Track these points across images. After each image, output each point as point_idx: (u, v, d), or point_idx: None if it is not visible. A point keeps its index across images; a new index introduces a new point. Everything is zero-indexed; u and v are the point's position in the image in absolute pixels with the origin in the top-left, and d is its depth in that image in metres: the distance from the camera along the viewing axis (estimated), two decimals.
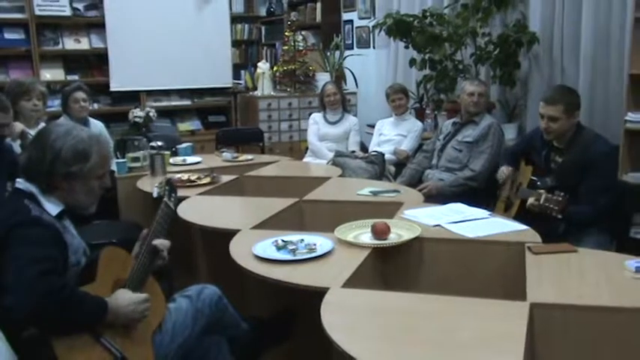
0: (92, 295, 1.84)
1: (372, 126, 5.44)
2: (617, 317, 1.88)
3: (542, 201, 2.81)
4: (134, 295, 1.92)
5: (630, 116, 3.62)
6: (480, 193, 3.86)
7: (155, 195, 3.23)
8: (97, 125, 4.62)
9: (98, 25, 6.36)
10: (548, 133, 3.13)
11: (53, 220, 1.94)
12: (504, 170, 3.43)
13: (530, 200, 2.92)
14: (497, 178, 3.41)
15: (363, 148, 5.27)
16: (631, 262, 2.17)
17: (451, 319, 1.84)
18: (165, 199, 2.29)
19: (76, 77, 6.34)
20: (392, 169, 4.77)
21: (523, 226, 2.65)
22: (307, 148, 5.45)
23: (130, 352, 1.85)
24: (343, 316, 1.88)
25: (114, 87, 6.43)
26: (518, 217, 2.92)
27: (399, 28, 5.05)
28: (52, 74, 6.26)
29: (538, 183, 3.18)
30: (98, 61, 6.50)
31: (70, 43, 6.37)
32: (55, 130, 2.04)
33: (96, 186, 2.08)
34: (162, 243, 2.15)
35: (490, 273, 2.49)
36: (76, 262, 1.97)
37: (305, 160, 5.25)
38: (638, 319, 1.87)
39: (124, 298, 1.89)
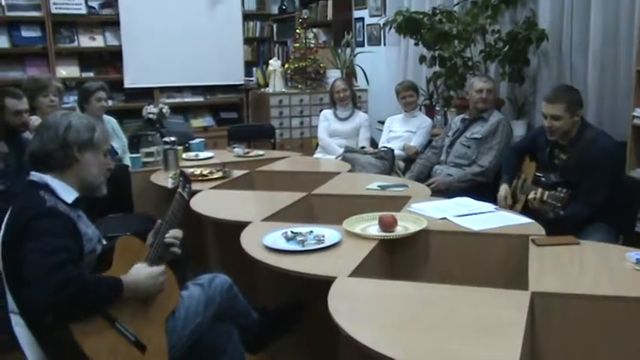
0: (106, 277, 1.92)
1: (383, 122, 5.48)
2: (616, 306, 1.93)
3: (545, 197, 2.86)
4: (151, 269, 2.01)
5: (638, 112, 3.67)
6: (487, 188, 3.89)
7: (170, 186, 3.31)
8: (110, 121, 4.70)
9: (113, 23, 6.46)
10: (552, 132, 3.17)
11: (68, 210, 2.01)
12: (502, 192, 3.47)
13: (530, 195, 2.96)
14: (499, 205, 3.46)
15: (373, 144, 5.31)
16: (632, 253, 2.21)
17: (454, 306, 1.90)
18: (180, 189, 2.36)
19: (90, 74, 6.44)
20: (401, 164, 4.82)
21: (528, 220, 2.70)
22: (318, 144, 5.51)
23: (144, 336, 1.92)
24: (350, 303, 1.94)
25: (128, 84, 6.52)
26: (524, 214, 2.96)
27: (409, 25, 5.10)
28: (67, 71, 6.36)
29: (542, 179, 3.22)
30: (112, 58, 6.59)
31: (85, 41, 6.46)
32: (57, 114, 2.19)
33: (104, 162, 2.17)
34: (174, 235, 2.22)
35: (494, 265, 2.54)
36: (92, 250, 2.05)
37: (315, 155, 5.31)
38: (636, 308, 1.92)
39: (140, 273, 1.97)
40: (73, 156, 2.08)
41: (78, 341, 1.76)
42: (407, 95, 5.10)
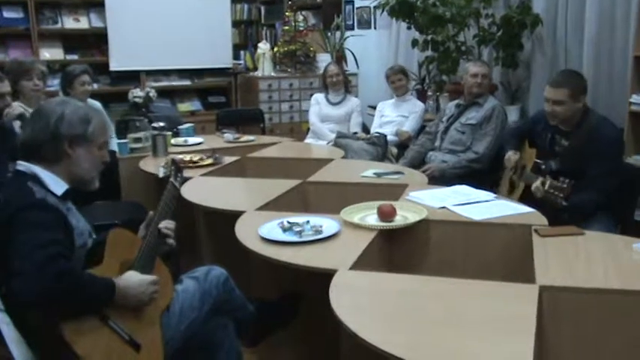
0: (100, 276, 1.83)
1: (374, 107, 5.42)
2: (626, 300, 1.88)
3: (547, 187, 2.80)
4: (142, 276, 1.91)
5: (635, 98, 3.64)
6: (483, 175, 3.84)
7: (161, 175, 3.21)
8: (94, 105, 4.58)
9: (97, 4, 6.32)
10: (553, 117, 3.11)
11: (58, 203, 1.92)
12: (511, 156, 3.40)
13: (536, 184, 2.91)
14: (505, 165, 3.39)
15: (365, 129, 5.24)
16: (639, 244, 2.17)
17: (460, 300, 1.85)
18: (172, 179, 2.28)
19: (75, 57, 6.30)
20: (394, 150, 4.75)
21: (529, 209, 2.64)
22: (309, 129, 5.43)
23: (138, 334, 1.85)
24: (352, 298, 1.88)
25: (113, 67, 6.39)
26: (522, 201, 2.91)
27: (402, 8, 5.01)
28: (51, 53, 6.22)
29: (543, 167, 3.17)
30: (97, 40, 6.46)
31: (69, 22, 6.32)
32: (53, 101, 2.07)
33: (98, 156, 2.06)
34: (167, 226, 2.14)
35: (496, 255, 2.49)
36: (83, 244, 1.96)
37: (306, 141, 5.23)
38: None
39: (133, 279, 1.88)
40: (64, 150, 1.97)
41: (69, 341, 1.68)
42: (396, 79, 5.03)
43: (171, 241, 2.10)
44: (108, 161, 2.12)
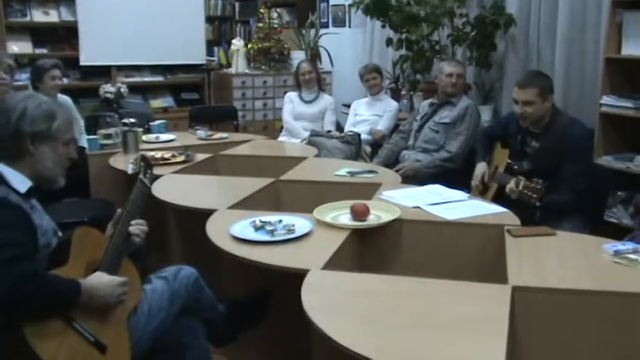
0: (64, 277, 1.77)
1: (348, 106, 5.40)
2: (598, 301, 1.89)
3: (520, 188, 2.81)
4: (110, 278, 1.86)
5: (605, 99, 3.66)
6: (456, 174, 3.85)
7: (130, 171, 3.15)
8: (64, 100, 4.50)
9: None
10: (524, 118, 3.13)
11: (20, 201, 1.85)
12: (480, 168, 3.44)
13: (510, 185, 2.92)
14: (474, 175, 3.42)
15: (339, 127, 5.23)
16: (609, 245, 2.18)
17: (432, 301, 1.83)
18: (141, 176, 2.23)
19: (44, 50, 6.18)
20: (368, 149, 4.75)
21: (502, 209, 2.65)
22: (282, 127, 5.39)
23: (105, 335, 1.80)
24: (324, 298, 1.85)
25: (84, 61, 6.27)
26: (495, 202, 2.91)
27: (377, 6, 4.99)
28: (19, 47, 6.10)
29: (515, 167, 3.18)
30: (68, 34, 6.33)
31: (38, 15, 6.20)
32: (16, 97, 2.01)
33: (63, 153, 2.00)
34: (140, 228, 2.09)
35: (468, 255, 2.48)
36: (47, 244, 1.90)
37: (280, 139, 5.20)
38: (618, 302, 1.88)
39: (100, 281, 1.83)
40: (26, 147, 1.91)
41: (32, 344, 1.62)
42: (370, 78, 5.03)
43: (137, 239, 2.05)
44: (74, 158, 2.07)
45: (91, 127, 4.16)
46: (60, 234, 2.00)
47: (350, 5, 5.46)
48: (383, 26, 5.28)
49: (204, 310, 2.23)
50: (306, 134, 4.80)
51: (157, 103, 6.83)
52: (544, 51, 4.48)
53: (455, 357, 1.53)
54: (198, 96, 7.07)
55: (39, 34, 6.26)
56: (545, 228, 2.41)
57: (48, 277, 1.75)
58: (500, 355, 1.49)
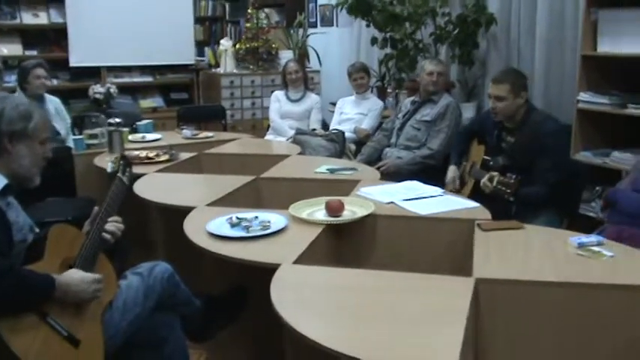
0: (39, 272, 1.82)
1: (335, 104, 5.45)
2: (559, 292, 1.94)
3: (494, 183, 2.87)
4: (85, 274, 1.90)
5: (582, 96, 3.72)
6: (436, 171, 3.90)
7: (109, 170, 3.20)
8: (53, 101, 4.55)
9: (57, 0, 6.22)
10: (495, 113, 3.20)
11: None
12: (450, 173, 3.51)
13: (483, 180, 2.97)
14: (446, 181, 3.49)
15: (325, 126, 5.28)
16: (574, 238, 2.23)
17: (399, 294, 1.88)
18: (120, 174, 2.28)
19: (34, 52, 6.21)
20: (352, 147, 4.80)
21: (474, 204, 2.70)
22: (269, 126, 5.44)
23: (78, 329, 1.84)
24: (293, 292, 1.90)
25: (73, 62, 6.31)
26: (472, 197, 2.97)
27: (361, 6, 5.05)
28: (9, 49, 6.14)
29: (491, 163, 3.24)
30: (57, 36, 6.37)
31: (27, 18, 6.24)
32: None
33: (40, 152, 2.06)
34: (116, 226, 2.14)
35: (441, 249, 2.53)
36: (22, 239, 1.95)
37: (266, 137, 5.25)
38: (579, 293, 1.93)
39: (74, 277, 1.87)
40: (3, 147, 1.97)
41: (5, 338, 1.67)
42: (358, 77, 5.09)
43: (108, 236, 2.09)
44: (50, 157, 2.12)
45: (78, 126, 4.20)
46: (37, 230, 2.05)
47: (335, 5, 5.50)
48: (367, 25, 5.33)
49: (180, 304, 2.28)
50: (292, 132, 4.85)
51: (146, 103, 6.87)
52: (524, 49, 4.55)
53: (416, 346, 1.57)
54: (187, 96, 7.11)
55: (29, 36, 6.30)
56: (514, 222, 2.46)
57: (23, 272, 1.80)
58: (457, 343, 1.55)
